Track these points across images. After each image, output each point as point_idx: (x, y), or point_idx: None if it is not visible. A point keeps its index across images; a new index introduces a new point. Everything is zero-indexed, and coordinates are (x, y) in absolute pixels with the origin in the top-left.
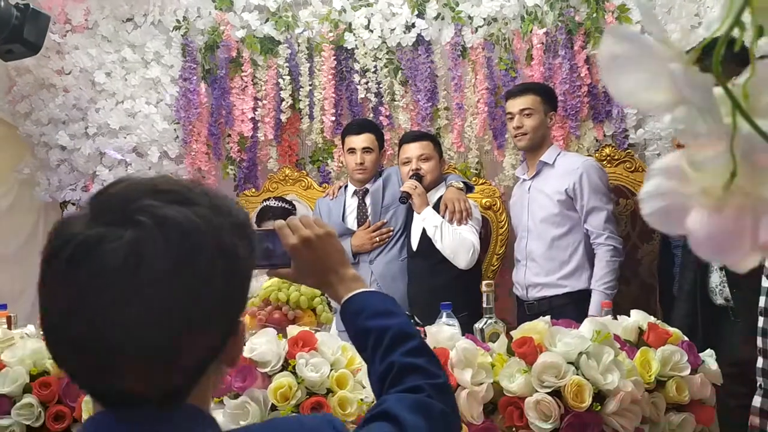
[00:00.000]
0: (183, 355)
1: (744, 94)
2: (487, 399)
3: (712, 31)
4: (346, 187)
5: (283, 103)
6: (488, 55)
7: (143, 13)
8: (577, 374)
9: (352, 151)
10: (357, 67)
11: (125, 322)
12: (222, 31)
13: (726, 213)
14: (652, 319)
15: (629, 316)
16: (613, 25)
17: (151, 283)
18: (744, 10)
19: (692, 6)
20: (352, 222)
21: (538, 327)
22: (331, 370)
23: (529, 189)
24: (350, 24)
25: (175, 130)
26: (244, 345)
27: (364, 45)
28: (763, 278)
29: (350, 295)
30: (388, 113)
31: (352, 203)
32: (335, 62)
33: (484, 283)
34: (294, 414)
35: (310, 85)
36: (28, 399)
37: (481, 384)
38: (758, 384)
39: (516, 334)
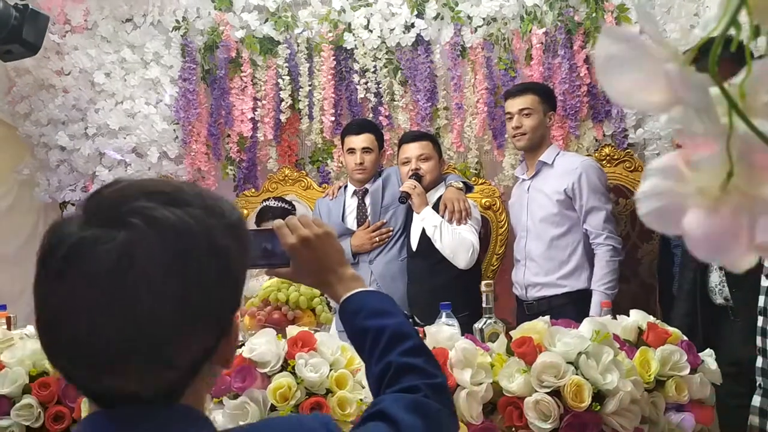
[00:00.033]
0: (176, 355)
1: (740, 93)
2: (486, 399)
3: (708, 31)
4: (345, 187)
5: (283, 103)
6: (488, 55)
7: (142, 14)
8: (577, 374)
9: (351, 151)
10: (356, 67)
11: (117, 322)
12: (221, 32)
13: (722, 213)
14: (652, 318)
15: (629, 315)
16: (608, 25)
17: (143, 284)
18: (740, 10)
19: (692, 5)
20: (351, 222)
21: (537, 327)
22: (330, 370)
23: (528, 189)
24: (349, 24)
25: (174, 130)
26: (243, 345)
27: (363, 45)
28: (763, 278)
29: (349, 294)
30: (387, 113)
31: (351, 203)
32: (335, 62)
33: (483, 283)
34: (290, 414)
35: (309, 86)
36: (27, 400)
37: (481, 384)
38: (758, 383)
39: (515, 334)
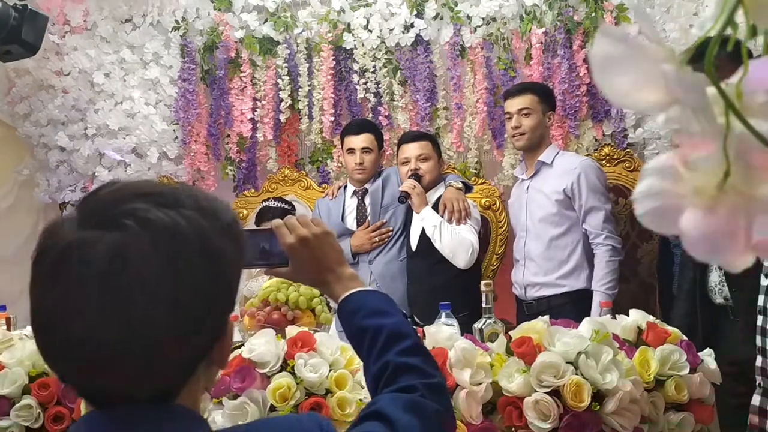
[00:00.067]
0: (169, 356)
1: (737, 93)
2: (486, 399)
3: (705, 31)
4: (345, 187)
5: (282, 103)
6: (487, 55)
7: (142, 14)
8: (576, 374)
9: (351, 151)
10: (356, 67)
11: (111, 324)
12: (221, 32)
13: (719, 213)
14: (651, 318)
15: (628, 315)
16: (605, 25)
17: (136, 286)
18: (737, 9)
19: (691, 5)
20: (351, 222)
21: (536, 327)
22: (330, 370)
23: (527, 189)
24: (349, 24)
25: (174, 130)
26: (243, 346)
27: (363, 45)
28: (762, 277)
29: (347, 294)
30: (387, 113)
31: (351, 203)
32: (334, 62)
33: (483, 282)
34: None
35: (309, 86)
36: (27, 400)
37: (480, 384)
38: (757, 383)
39: (515, 333)
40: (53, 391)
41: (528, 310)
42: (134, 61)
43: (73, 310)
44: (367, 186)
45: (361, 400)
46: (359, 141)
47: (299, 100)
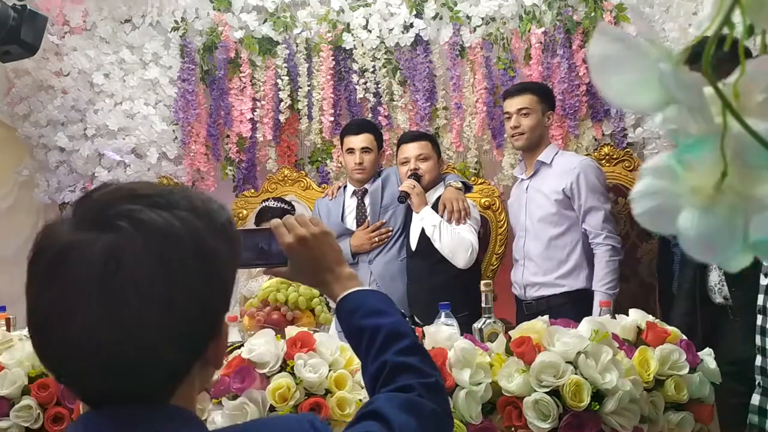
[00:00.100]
0: (164, 357)
1: (734, 93)
2: (485, 399)
3: (702, 30)
4: (345, 187)
5: (282, 103)
6: (486, 55)
7: (141, 15)
8: (576, 374)
9: (350, 151)
10: (355, 67)
11: (106, 325)
12: (220, 32)
13: (717, 212)
14: (651, 318)
15: (628, 315)
16: (602, 25)
17: (130, 287)
18: (734, 9)
19: (690, 5)
20: (351, 222)
21: (536, 326)
22: (329, 370)
23: (526, 188)
24: (348, 24)
25: (173, 131)
26: (243, 346)
27: (362, 45)
28: (762, 276)
29: (346, 293)
30: (386, 113)
31: (351, 203)
32: (334, 62)
33: (482, 282)
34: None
35: (308, 86)
36: (26, 401)
37: (480, 384)
38: (757, 382)
39: (514, 333)
40: (53, 392)
41: (527, 309)
42: (134, 61)
43: (69, 312)
44: (366, 186)
45: (360, 400)
46: (359, 141)
47: (299, 101)
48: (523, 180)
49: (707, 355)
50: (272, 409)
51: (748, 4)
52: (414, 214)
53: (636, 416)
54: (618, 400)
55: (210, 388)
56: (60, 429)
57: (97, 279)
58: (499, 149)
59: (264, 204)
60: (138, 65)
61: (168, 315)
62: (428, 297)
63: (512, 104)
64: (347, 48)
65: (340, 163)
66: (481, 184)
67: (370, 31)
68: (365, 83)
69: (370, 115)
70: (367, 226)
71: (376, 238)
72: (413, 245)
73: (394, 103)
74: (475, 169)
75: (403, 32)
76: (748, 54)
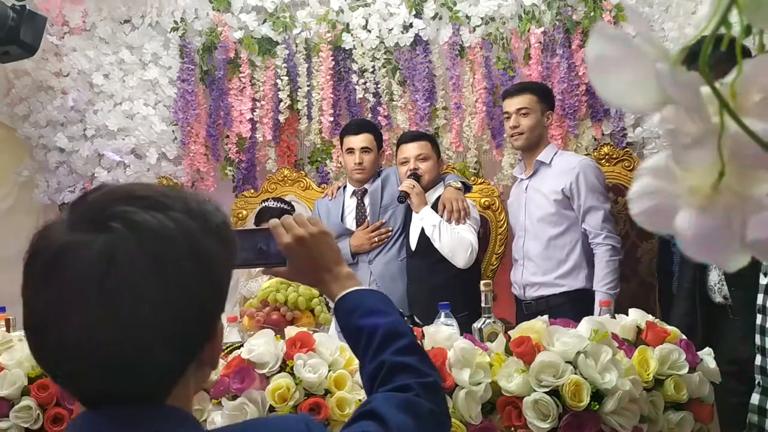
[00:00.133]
0: (160, 357)
1: (732, 93)
2: (485, 399)
3: (700, 30)
4: (344, 187)
5: (282, 103)
6: (486, 55)
7: (141, 15)
8: (575, 373)
9: (350, 151)
10: (355, 67)
11: (101, 326)
12: (220, 32)
13: (714, 212)
14: (650, 317)
15: (628, 314)
16: (599, 24)
17: (124, 288)
18: (731, 9)
19: (689, 4)
20: (350, 222)
21: (536, 326)
22: (329, 370)
23: (526, 188)
24: (348, 24)
25: (173, 131)
26: (242, 346)
27: (362, 45)
28: (761, 276)
29: (344, 293)
30: (386, 113)
31: (350, 203)
32: (333, 62)
33: (482, 282)
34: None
35: (308, 86)
36: (26, 402)
37: (479, 384)
38: (757, 381)
39: (514, 333)
40: (52, 393)
41: (527, 309)
42: (133, 61)
43: (65, 313)
44: (366, 186)
45: (360, 400)
46: (358, 141)
47: (298, 101)
48: (522, 180)
49: (707, 355)
50: (272, 409)
51: (745, 3)
52: (414, 214)
53: (636, 416)
54: (618, 400)
55: (209, 389)
56: (60, 429)
57: (93, 280)
58: (499, 149)
59: (263, 204)
60: (137, 66)
61: (162, 315)
62: (428, 297)
63: (511, 104)
64: (347, 48)
65: (340, 163)
66: (480, 184)
67: (370, 31)
68: (365, 83)
69: (369, 115)
70: (367, 226)
71: (376, 238)
72: (413, 245)
73: (394, 103)
74: (475, 169)
75: (402, 32)
76: (747, 53)
